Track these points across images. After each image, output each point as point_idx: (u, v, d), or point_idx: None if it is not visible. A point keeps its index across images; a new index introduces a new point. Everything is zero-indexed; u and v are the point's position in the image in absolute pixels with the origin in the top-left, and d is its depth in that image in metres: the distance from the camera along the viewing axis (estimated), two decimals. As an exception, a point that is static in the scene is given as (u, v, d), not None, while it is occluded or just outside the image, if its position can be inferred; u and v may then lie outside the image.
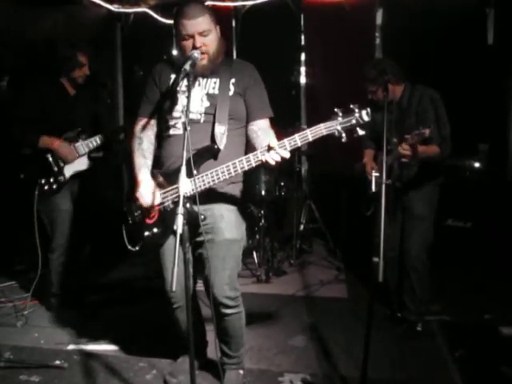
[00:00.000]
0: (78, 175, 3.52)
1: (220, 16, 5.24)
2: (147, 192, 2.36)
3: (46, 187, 3.40)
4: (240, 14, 5.48)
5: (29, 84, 3.50)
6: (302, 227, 5.00)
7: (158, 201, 2.37)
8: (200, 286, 2.65)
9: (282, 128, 4.47)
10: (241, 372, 2.68)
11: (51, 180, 3.41)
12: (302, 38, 5.56)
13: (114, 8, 5.62)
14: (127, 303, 3.80)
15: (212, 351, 2.56)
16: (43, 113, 3.38)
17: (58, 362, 2.85)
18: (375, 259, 2.16)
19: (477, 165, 4.75)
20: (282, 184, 4.68)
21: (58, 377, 2.74)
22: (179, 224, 1.85)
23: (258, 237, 4.49)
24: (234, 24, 5.59)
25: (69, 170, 3.46)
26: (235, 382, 2.61)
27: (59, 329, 3.36)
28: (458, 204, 4.61)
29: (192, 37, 2.26)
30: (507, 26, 4.60)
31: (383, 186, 2.13)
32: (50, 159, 3.41)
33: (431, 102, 3.08)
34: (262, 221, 4.46)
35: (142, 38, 5.70)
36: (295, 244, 4.83)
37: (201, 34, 2.26)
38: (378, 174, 2.37)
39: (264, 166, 2.15)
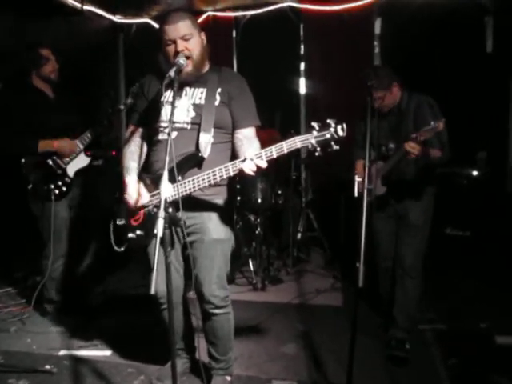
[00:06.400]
0: (78, 174, 3.56)
1: (221, 26, 5.41)
2: (133, 193, 2.42)
3: (57, 191, 3.45)
4: (240, 24, 5.54)
5: (5, 96, 3.51)
6: (299, 235, 4.99)
7: (144, 201, 2.41)
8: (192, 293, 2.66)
9: (284, 137, 4.55)
10: (228, 378, 2.66)
11: (59, 183, 3.47)
12: (302, 47, 5.61)
13: (116, 19, 5.73)
14: (120, 310, 3.81)
15: (203, 356, 2.56)
16: (27, 122, 3.38)
17: (47, 367, 2.88)
18: (358, 264, 2.15)
19: (475, 173, 4.73)
20: (279, 192, 4.67)
21: (46, 381, 2.75)
22: (159, 228, 1.88)
23: (254, 245, 4.49)
24: (234, 34, 5.66)
25: (71, 170, 3.52)
26: (221, 388, 2.61)
27: (52, 334, 3.38)
28: (457, 212, 4.58)
29: (174, 41, 2.30)
30: (506, 35, 4.61)
31: (365, 191, 2.13)
32: (51, 163, 3.46)
33: (430, 108, 3.06)
34: (259, 229, 4.46)
35: (144, 48, 5.77)
36: (292, 252, 4.82)
37: (182, 37, 2.30)
38: (360, 179, 2.36)
39: (242, 175, 2.14)
